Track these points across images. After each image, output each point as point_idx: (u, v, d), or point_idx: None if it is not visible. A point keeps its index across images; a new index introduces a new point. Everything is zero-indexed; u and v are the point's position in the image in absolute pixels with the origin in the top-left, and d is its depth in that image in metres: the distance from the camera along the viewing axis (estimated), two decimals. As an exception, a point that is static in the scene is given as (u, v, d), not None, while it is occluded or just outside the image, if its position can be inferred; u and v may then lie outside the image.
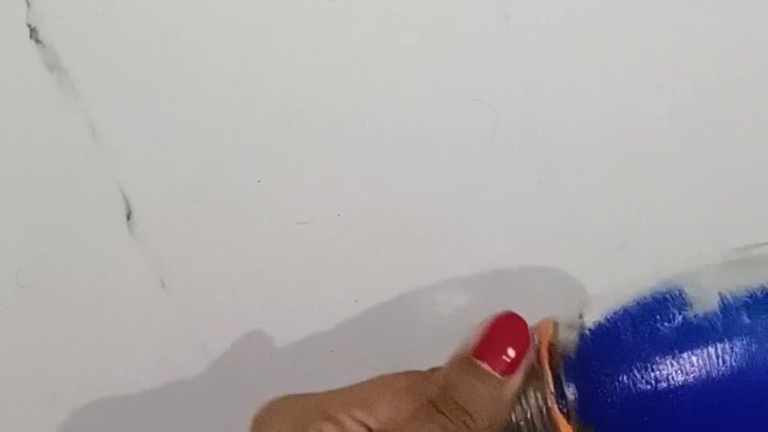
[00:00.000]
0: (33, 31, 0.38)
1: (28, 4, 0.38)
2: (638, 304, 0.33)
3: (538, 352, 0.33)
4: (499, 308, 0.41)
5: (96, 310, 0.43)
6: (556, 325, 0.34)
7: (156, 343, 0.44)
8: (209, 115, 0.40)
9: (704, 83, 0.41)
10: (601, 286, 0.44)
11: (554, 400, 0.33)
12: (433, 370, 0.35)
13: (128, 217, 0.42)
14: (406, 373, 0.34)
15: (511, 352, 0.32)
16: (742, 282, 0.32)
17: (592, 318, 0.33)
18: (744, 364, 0.31)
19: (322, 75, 0.40)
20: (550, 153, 0.42)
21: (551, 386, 0.33)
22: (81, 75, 0.39)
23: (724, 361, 0.31)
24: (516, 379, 0.32)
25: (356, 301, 0.44)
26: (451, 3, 0.39)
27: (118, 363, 0.44)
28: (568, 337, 0.33)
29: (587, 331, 0.33)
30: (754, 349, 0.31)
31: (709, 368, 0.31)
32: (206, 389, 0.45)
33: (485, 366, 0.32)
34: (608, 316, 0.33)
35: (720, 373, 0.31)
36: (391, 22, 0.40)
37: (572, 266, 0.44)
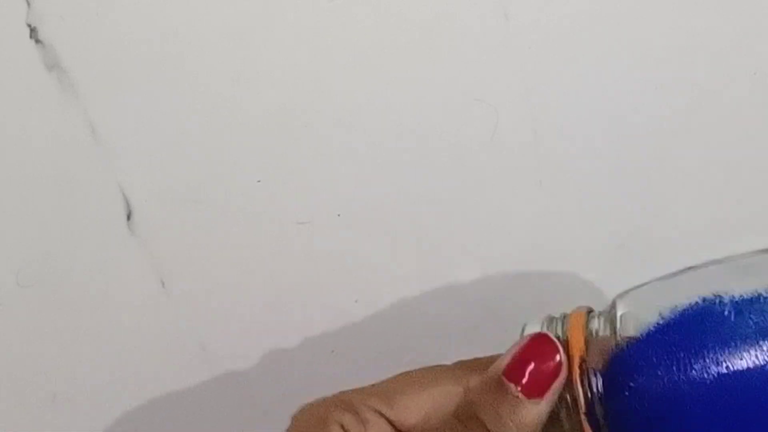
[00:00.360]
0: (33, 31, 0.38)
1: (28, 4, 0.38)
2: (676, 319, 0.31)
3: (569, 367, 0.32)
4: (498, 309, 0.41)
5: (96, 310, 0.43)
6: (588, 340, 0.33)
7: (156, 343, 0.44)
8: (209, 115, 0.40)
9: (704, 83, 0.41)
10: (601, 286, 0.44)
11: (587, 424, 0.32)
12: (459, 363, 0.34)
13: (128, 217, 0.42)
14: (430, 369, 0.35)
15: (541, 377, 0.32)
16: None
17: (627, 332, 0.32)
18: None
19: (322, 75, 0.40)
20: (550, 153, 0.42)
21: (584, 408, 0.32)
22: (81, 75, 0.39)
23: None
24: (543, 405, 0.32)
25: (356, 301, 0.44)
26: (451, 3, 0.39)
27: (118, 363, 0.44)
28: (602, 354, 0.32)
29: (622, 350, 0.32)
30: None
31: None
32: (206, 389, 0.45)
33: (513, 388, 0.32)
34: (645, 331, 0.32)
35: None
36: (391, 22, 0.40)
37: (572, 266, 0.44)
